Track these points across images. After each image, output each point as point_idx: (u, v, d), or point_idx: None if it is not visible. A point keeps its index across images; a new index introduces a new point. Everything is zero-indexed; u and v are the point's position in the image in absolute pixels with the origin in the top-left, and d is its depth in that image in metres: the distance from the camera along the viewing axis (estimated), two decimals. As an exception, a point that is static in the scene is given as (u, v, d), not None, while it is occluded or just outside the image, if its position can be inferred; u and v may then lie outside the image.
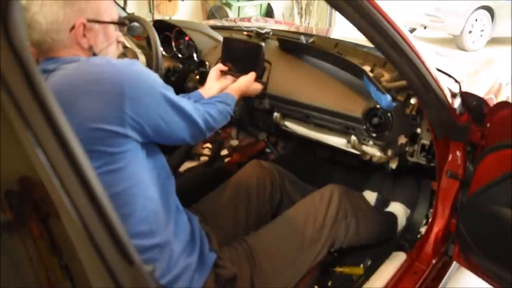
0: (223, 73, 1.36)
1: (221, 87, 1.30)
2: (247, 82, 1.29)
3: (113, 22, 0.92)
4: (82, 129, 0.74)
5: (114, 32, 0.93)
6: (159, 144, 0.94)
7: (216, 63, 1.55)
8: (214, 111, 1.05)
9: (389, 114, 1.17)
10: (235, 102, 1.18)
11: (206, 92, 1.25)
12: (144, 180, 0.85)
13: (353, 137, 1.27)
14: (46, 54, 0.85)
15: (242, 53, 1.44)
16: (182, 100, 0.92)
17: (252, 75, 1.32)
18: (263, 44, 1.39)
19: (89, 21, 0.86)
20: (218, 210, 1.20)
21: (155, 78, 0.86)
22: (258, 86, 1.34)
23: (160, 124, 0.85)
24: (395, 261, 1.27)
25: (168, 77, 1.57)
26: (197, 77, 1.58)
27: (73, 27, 0.84)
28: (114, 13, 0.92)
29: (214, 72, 1.34)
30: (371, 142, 1.24)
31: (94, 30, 0.88)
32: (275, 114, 1.44)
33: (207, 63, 1.58)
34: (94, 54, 0.89)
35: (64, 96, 0.75)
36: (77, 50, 0.87)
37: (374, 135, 1.21)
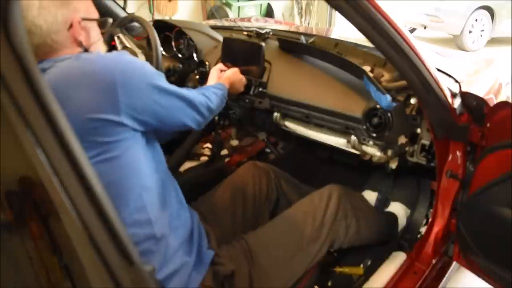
0: (229, 66, 1.38)
1: None
2: (233, 72, 1.35)
3: (99, 20, 0.96)
4: (77, 120, 0.76)
5: (99, 30, 0.97)
6: (160, 144, 0.95)
7: (216, 63, 1.56)
8: (208, 92, 1.10)
9: (389, 114, 1.17)
10: (227, 88, 1.23)
11: None
12: (141, 169, 0.87)
13: (353, 137, 1.27)
14: (43, 57, 0.87)
15: (242, 53, 1.44)
16: (175, 86, 0.95)
17: (235, 69, 1.36)
18: (263, 44, 1.39)
19: (83, 19, 0.89)
20: (216, 209, 1.21)
21: (146, 66, 0.89)
22: (243, 77, 1.39)
23: (157, 109, 0.88)
24: (395, 261, 1.27)
25: (168, 77, 1.57)
26: (197, 77, 1.58)
27: (70, 26, 0.87)
28: (96, 12, 0.96)
29: (215, 71, 1.35)
30: (371, 142, 1.24)
31: (87, 28, 0.92)
32: (275, 114, 1.44)
33: (207, 63, 1.58)
34: (86, 50, 0.91)
35: (58, 91, 0.76)
36: (74, 49, 0.89)
37: (374, 135, 1.21)
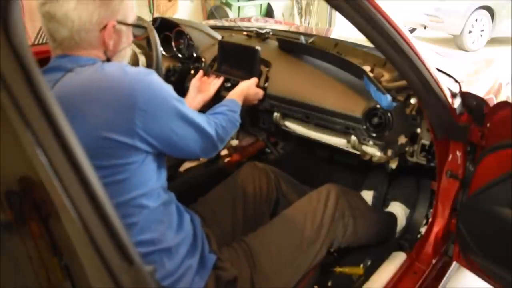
0: (218, 76, 1.37)
1: (203, 98, 1.32)
2: (248, 86, 1.31)
3: (135, 25, 0.92)
4: (90, 137, 0.73)
5: (131, 35, 0.94)
6: None
7: (212, 61, 1.56)
8: (225, 121, 1.05)
9: (389, 114, 1.17)
10: (240, 107, 1.19)
11: (189, 103, 1.25)
12: (148, 191, 0.84)
13: (353, 137, 1.27)
14: (66, 51, 0.83)
15: (238, 57, 1.44)
16: (195, 113, 0.92)
17: (254, 80, 1.33)
18: (259, 48, 1.39)
19: (119, 22, 0.86)
20: (216, 210, 1.20)
21: (169, 91, 0.85)
22: (259, 91, 1.36)
23: (171, 137, 0.85)
24: (395, 261, 1.27)
25: (168, 77, 1.57)
26: (192, 72, 1.58)
27: (103, 28, 0.83)
28: (134, 15, 0.92)
29: (195, 82, 1.34)
30: (371, 142, 1.24)
31: (120, 32, 0.88)
32: (275, 114, 1.44)
33: (203, 59, 1.58)
34: (108, 60, 0.88)
35: (75, 102, 0.74)
36: (99, 50, 0.86)
37: (374, 135, 1.21)
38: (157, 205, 0.87)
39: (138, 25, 0.93)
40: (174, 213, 0.94)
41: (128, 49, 0.95)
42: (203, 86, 1.40)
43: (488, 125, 1.06)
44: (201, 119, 0.93)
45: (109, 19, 0.83)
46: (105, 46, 0.85)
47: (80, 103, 0.74)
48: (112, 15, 0.84)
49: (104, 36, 0.84)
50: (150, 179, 0.85)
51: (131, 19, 0.90)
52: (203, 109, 1.23)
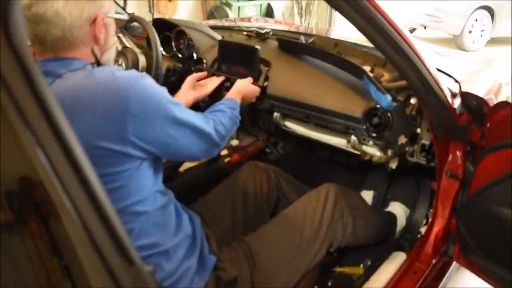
0: (218, 75, 1.36)
1: (194, 95, 1.30)
2: (245, 84, 1.31)
3: (120, 18, 0.93)
4: (82, 145, 0.72)
5: (115, 28, 0.94)
6: None
7: (213, 62, 1.56)
8: (224, 119, 1.04)
9: (389, 114, 1.17)
10: (239, 105, 1.18)
11: (179, 100, 1.24)
12: (145, 196, 0.84)
13: (353, 137, 1.27)
14: (59, 53, 0.82)
15: (238, 56, 1.44)
16: (191, 114, 0.91)
17: (248, 79, 1.33)
18: (258, 47, 1.39)
19: (106, 16, 0.86)
20: (216, 210, 1.20)
21: (163, 93, 0.84)
22: (256, 88, 1.36)
23: (167, 141, 0.83)
24: (395, 261, 1.27)
25: (168, 77, 1.57)
26: (194, 73, 1.58)
27: (93, 22, 0.83)
28: (114, 8, 0.92)
29: (190, 79, 1.33)
30: (371, 142, 1.24)
31: (108, 25, 0.88)
32: (275, 114, 1.44)
33: (204, 61, 1.58)
34: (98, 63, 0.87)
35: (65, 109, 0.72)
36: (90, 47, 0.85)
37: (374, 135, 1.21)
38: (153, 210, 0.86)
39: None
40: (173, 214, 0.93)
41: (115, 47, 0.95)
42: (198, 85, 1.40)
43: (488, 125, 1.06)
44: (198, 119, 0.92)
45: (97, 13, 0.83)
46: (96, 40, 0.85)
47: (70, 110, 0.72)
48: (99, 9, 0.84)
49: (95, 30, 0.84)
50: (146, 185, 0.84)
51: (113, 12, 0.90)
52: (203, 110, 1.23)
